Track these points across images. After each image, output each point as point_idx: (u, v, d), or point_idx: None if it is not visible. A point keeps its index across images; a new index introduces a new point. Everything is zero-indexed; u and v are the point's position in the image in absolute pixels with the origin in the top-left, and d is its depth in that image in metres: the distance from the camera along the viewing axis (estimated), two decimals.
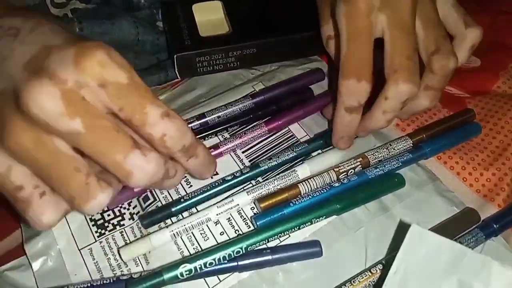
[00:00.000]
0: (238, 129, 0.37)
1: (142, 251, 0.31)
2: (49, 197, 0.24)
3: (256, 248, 0.30)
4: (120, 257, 0.31)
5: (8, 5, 0.27)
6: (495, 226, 0.32)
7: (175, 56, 0.40)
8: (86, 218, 0.33)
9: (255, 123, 0.37)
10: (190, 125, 0.36)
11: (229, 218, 0.32)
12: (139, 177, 0.23)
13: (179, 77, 0.41)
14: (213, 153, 0.35)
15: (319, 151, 0.35)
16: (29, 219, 0.24)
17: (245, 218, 0.32)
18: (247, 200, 0.32)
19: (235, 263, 0.30)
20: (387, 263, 0.29)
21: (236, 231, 0.32)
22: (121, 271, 0.31)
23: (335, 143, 0.34)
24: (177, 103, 0.41)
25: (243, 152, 0.36)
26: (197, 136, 0.36)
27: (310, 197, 0.32)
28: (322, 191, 0.32)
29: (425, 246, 0.26)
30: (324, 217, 0.31)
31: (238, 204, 0.32)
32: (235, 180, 0.33)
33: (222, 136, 0.37)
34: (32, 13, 0.26)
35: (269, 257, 0.30)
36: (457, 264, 0.26)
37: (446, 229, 0.32)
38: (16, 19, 0.25)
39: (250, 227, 0.32)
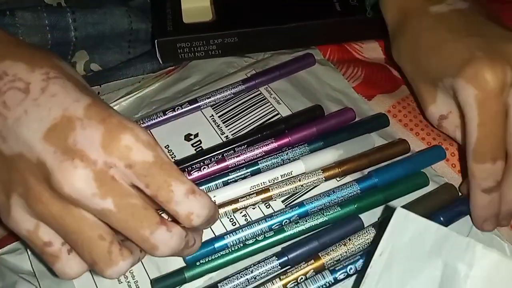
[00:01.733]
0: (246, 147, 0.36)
1: None
2: (76, 255, 0.25)
3: (299, 239, 0.31)
4: None
5: None
6: (288, 257, 0.30)
7: (156, 41, 0.40)
8: None
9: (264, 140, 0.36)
10: (182, 109, 0.37)
11: None
12: (163, 250, 0.24)
13: (161, 62, 0.41)
14: (218, 166, 0.34)
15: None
16: (55, 270, 0.25)
17: None
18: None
19: (285, 258, 0.30)
20: (372, 245, 0.30)
21: None
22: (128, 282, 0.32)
23: (480, 227, 0.31)
24: (171, 90, 0.41)
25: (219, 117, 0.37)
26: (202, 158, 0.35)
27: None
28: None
29: (410, 229, 0.27)
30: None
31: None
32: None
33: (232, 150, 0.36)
34: (31, 52, 0.26)
35: (316, 243, 0.30)
36: (442, 246, 0.26)
37: (423, 203, 0.32)
38: (18, 66, 0.25)
39: None
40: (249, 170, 0.34)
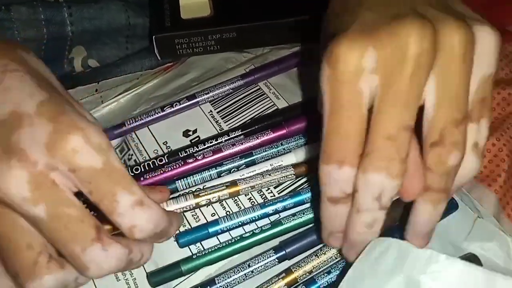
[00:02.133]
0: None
1: None
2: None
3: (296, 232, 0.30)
4: None
5: None
6: (286, 251, 0.30)
7: (153, 37, 0.40)
8: None
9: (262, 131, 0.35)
10: (180, 105, 0.37)
11: None
12: (94, 271, 0.22)
13: (159, 58, 0.41)
14: (214, 157, 0.34)
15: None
16: None
17: None
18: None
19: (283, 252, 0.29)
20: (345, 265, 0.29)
21: None
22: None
23: (326, 240, 0.27)
24: (170, 87, 0.41)
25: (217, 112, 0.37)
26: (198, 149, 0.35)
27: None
28: None
29: (377, 249, 0.26)
30: None
31: None
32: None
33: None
34: None
35: (314, 236, 0.29)
36: (404, 261, 0.25)
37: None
38: None
39: None
40: (244, 160, 0.33)
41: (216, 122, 0.37)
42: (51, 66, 0.39)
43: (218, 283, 0.28)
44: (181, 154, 0.34)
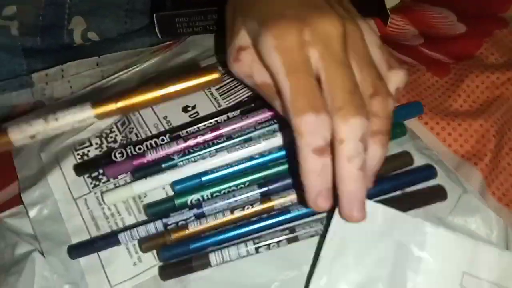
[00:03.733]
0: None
1: (124, 196, 0.33)
2: None
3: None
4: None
5: None
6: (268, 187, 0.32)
7: (155, 15, 0.41)
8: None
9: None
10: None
11: None
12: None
13: (159, 36, 0.42)
14: (212, 134, 0.35)
15: None
16: None
17: None
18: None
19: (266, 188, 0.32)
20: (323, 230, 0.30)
21: None
22: (115, 219, 0.33)
23: (313, 203, 0.26)
24: (170, 65, 0.42)
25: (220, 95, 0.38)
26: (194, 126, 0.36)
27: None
28: None
29: None
30: None
31: None
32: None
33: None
34: None
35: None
36: (392, 227, 0.27)
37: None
38: None
39: None
40: (241, 138, 0.35)
41: (215, 99, 0.38)
42: (50, 35, 0.40)
43: (204, 206, 0.32)
44: (182, 134, 0.35)
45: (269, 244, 0.30)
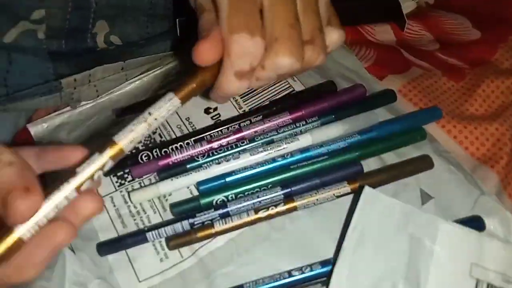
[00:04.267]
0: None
1: (150, 196, 0.34)
2: None
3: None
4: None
5: None
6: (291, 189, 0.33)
7: (177, 20, 0.42)
8: None
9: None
10: None
11: None
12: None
13: (181, 40, 0.43)
14: (235, 136, 0.36)
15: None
16: None
17: None
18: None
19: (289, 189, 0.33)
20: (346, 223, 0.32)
21: None
22: (140, 217, 0.34)
23: (213, 97, 0.29)
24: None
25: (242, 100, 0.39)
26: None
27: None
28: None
29: (378, 207, 0.30)
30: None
31: None
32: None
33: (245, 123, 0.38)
34: None
35: (318, 180, 0.33)
36: (408, 222, 0.30)
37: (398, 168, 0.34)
38: None
39: None
40: (262, 141, 0.36)
41: (235, 101, 0.39)
42: (74, 39, 0.41)
43: (229, 206, 0.33)
44: (207, 138, 0.36)
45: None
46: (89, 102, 0.40)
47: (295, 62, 0.25)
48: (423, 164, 0.34)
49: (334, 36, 0.29)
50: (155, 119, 0.24)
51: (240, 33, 0.25)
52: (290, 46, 0.25)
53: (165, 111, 0.25)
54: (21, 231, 0.22)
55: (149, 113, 0.24)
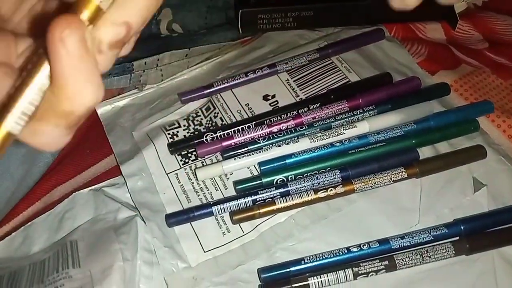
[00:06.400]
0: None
1: (214, 173, 0.36)
2: None
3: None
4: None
5: None
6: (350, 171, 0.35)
7: (240, 11, 0.44)
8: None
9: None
10: (262, 72, 0.41)
11: None
12: None
13: (240, 31, 0.45)
14: (294, 121, 0.38)
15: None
16: None
17: None
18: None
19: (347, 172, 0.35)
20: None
21: None
22: (204, 193, 0.36)
23: None
24: (248, 57, 0.45)
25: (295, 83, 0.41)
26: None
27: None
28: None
29: None
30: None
31: None
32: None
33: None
34: None
35: (376, 165, 0.35)
36: None
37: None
38: None
39: None
40: (321, 126, 0.37)
41: (293, 89, 0.41)
42: None
43: (290, 186, 0.34)
44: (267, 123, 0.38)
45: (367, 273, 0.31)
46: (152, 86, 0.43)
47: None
48: (476, 153, 0.35)
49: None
50: None
51: None
52: None
53: None
54: (8, 125, 0.18)
55: None
